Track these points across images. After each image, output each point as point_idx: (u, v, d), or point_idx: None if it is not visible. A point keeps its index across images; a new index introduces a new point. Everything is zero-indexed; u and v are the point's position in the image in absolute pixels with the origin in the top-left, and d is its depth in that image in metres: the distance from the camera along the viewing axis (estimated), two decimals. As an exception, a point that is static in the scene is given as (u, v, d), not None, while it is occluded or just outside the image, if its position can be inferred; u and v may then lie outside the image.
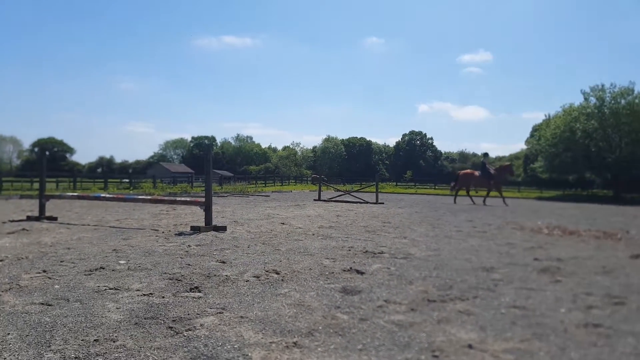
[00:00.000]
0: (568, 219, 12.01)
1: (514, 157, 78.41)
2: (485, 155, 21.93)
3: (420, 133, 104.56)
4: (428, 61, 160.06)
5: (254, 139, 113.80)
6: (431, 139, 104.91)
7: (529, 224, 10.26)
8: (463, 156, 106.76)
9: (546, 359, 2.46)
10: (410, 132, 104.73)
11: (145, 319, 3.01)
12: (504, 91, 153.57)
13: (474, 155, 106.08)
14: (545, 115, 47.82)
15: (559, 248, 6.50)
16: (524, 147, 61.90)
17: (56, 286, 3.82)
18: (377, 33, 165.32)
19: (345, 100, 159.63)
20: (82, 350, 2.47)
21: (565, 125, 35.36)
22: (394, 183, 58.85)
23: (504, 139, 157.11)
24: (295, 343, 2.62)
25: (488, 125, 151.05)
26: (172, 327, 2.84)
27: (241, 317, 3.08)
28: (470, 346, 2.61)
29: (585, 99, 35.99)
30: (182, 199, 9.49)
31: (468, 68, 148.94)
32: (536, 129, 49.08)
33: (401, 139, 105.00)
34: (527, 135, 60.12)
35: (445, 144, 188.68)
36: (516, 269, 4.90)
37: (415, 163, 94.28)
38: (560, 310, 3.36)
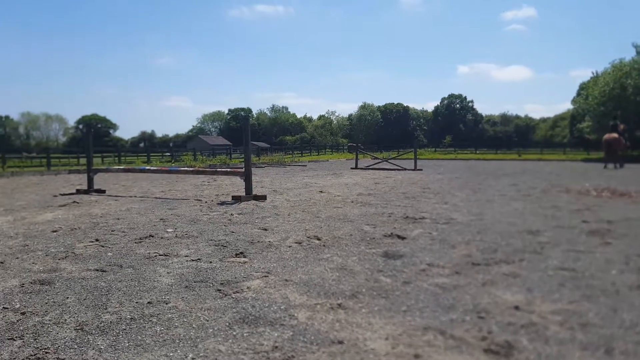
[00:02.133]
0: (618, 181, 11.51)
1: (559, 118, 75.39)
2: (615, 118, 21.99)
3: (460, 96, 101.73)
4: (468, 20, 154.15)
5: (289, 109, 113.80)
6: (471, 101, 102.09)
7: (576, 186, 9.91)
8: (505, 119, 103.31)
9: (596, 320, 2.41)
10: (449, 95, 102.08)
11: (194, 282, 3.13)
12: (549, 49, 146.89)
13: (517, 117, 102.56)
14: (593, 73, 45.42)
15: (608, 210, 6.26)
16: (570, 107, 59.21)
17: (109, 254, 4.01)
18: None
19: (381, 66, 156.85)
20: (137, 311, 2.60)
21: (615, 82, 33.42)
22: (433, 149, 57.82)
23: (549, 99, 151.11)
24: (339, 305, 2.67)
25: (532, 86, 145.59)
26: (220, 290, 2.94)
27: (286, 280, 3.16)
28: (517, 307, 2.59)
29: (638, 53, 33.82)
30: (223, 169, 9.68)
31: (511, 26, 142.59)
32: (583, 87, 46.75)
33: (440, 103, 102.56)
34: (574, 94, 57.40)
35: (486, 107, 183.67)
36: (563, 231, 4.77)
37: (455, 127, 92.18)
38: (612, 272, 3.26)
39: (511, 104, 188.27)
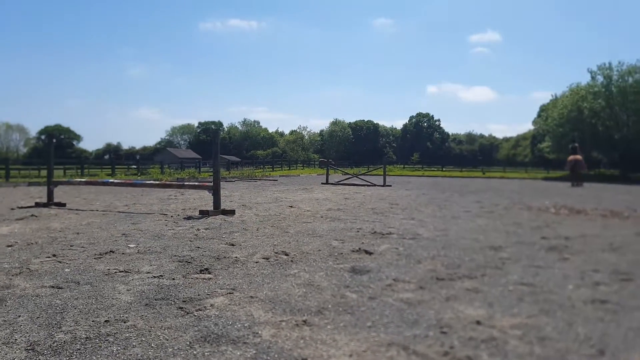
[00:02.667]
0: (575, 199, 11.95)
1: (521, 138, 77.84)
2: (573, 140, 24.08)
3: (427, 115, 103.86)
4: (437, 41, 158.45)
5: (260, 124, 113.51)
6: (438, 120, 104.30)
7: (536, 204, 10.22)
8: (470, 138, 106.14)
9: (553, 334, 2.47)
10: (417, 114, 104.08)
11: (155, 300, 3.04)
12: (512, 71, 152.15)
13: (481, 136, 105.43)
14: (552, 95, 47.26)
15: (566, 227, 6.48)
16: (531, 127, 61.32)
17: (66, 270, 3.87)
18: (386, 14, 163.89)
19: (352, 83, 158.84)
20: (93, 330, 2.50)
21: (572, 105, 34.90)
22: (402, 166, 58.70)
23: (511, 119, 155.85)
24: (304, 321, 2.65)
25: (495, 106, 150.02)
26: (182, 308, 2.87)
27: (251, 297, 3.11)
28: (478, 322, 2.63)
29: (593, 78, 35.41)
30: (191, 183, 9.54)
31: (477, 48, 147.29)
32: (543, 109, 48.57)
33: (408, 121, 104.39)
34: (535, 115, 59.51)
35: (452, 126, 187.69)
36: (523, 247, 4.90)
37: (423, 145, 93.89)
38: (568, 287, 3.36)
39: (476, 124, 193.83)
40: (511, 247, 4.93)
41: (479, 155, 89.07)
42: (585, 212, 8.32)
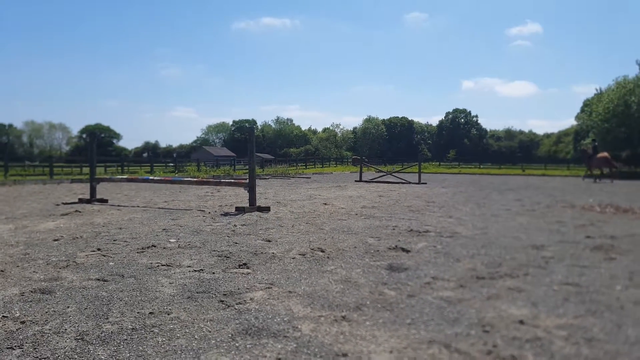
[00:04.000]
0: (621, 197, 11.46)
1: (563, 134, 75.40)
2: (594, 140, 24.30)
3: (464, 111, 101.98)
4: (473, 36, 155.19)
5: (293, 121, 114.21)
6: (476, 116, 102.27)
7: (580, 202, 9.87)
8: (509, 134, 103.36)
9: (601, 336, 2.38)
10: (454, 110, 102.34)
11: (197, 293, 3.11)
12: (554, 65, 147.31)
13: (521, 132, 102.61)
14: (597, 89, 45.53)
15: (612, 226, 6.22)
16: (574, 123, 59.23)
17: (111, 263, 4.00)
18: (420, 8, 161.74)
19: (386, 79, 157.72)
20: (139, 321, 2.58)
21: (618, 99, 33.52)
22: (437, 163, 57.80)
23: (553, 114, 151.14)
24: (343, 317, 2.65)
25: (536, 101, 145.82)
26: (223, 301, 2.93)
27: (289, 291, 3.14)
28: (521, 322, 2.56)
29: (642, 70, 33.92)
30: (226, 180, 9.69)
31: (516, 41, 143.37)
32: (587, 104, 46.85)
33: (444, 117, 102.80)
34: (578, 110, 57.44)
35: (490, 122, 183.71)
36: (567, 246, 4.74)
37: (459, 142, 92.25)
38: (616, 288, 3.23)
39: (515, 119, 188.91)
40: (554, 246, 4.78)
41: (519, 152, 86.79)
42: (633, 211, 7.97)
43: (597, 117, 35.50)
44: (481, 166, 48.31)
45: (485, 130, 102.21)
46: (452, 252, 4.42)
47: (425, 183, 17.76)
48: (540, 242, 4.94)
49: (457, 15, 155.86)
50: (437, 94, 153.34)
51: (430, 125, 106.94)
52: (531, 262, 4.01)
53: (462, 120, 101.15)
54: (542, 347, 2.24)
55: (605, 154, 21.77)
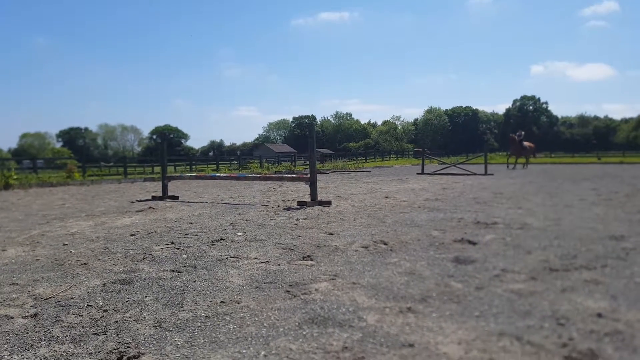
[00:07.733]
0: None
1: (643, 118, 69.91)
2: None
3: (533, 97, 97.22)
4: (541, 18, 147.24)
5: (353, 116, 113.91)
6: (546, 103, 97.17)
7: (666, 190, 9.12)
8: (583, 120, 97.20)
9: (695, 332, 2.20)
10: (522, 97, 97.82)
11: (264, 283, 3.21)
12: (632, 45, 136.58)
13: (596, 118, 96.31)
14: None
15: None
16: (656, 106, 54.70)
17: (183, 255, 4.20)
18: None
19: (448, 68, 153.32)
20: (211, 310, 2.70)
21: None
22: (504, 153, 55.47)
23: (631, 98, 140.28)
24: (409, 308, 2.63)
25: (612, 84, 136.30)
26: (289, 291, 3.00)
27: (353, 283, 3.16)
28: (599, 315, 2.42)
29: None
30: (288, 175, 9.86)
31: (590, 22, 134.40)
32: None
33: (512, 105, 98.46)
34: (660, 92, 52.93)
35: (561, 108, 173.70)
36: (652, 237, 4.40)
37: (528, 130, 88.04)
38: None
39: (589, 105, 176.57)
40: (635, 237, 4.46)
41: (593, 139, 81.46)
42: None
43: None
44: (552, 155, 45.81)
45: (556, 117, 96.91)
46: (522, 244, 4.25)
47: (492, 174, 17.13)
48: (620, 233, 4.63)
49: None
50: (504, 81, 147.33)
51: (497, 114, 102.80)
52: (609, 254, 3.77)
53: (531, 107, 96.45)
54: (624, 341, 2.11)
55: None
